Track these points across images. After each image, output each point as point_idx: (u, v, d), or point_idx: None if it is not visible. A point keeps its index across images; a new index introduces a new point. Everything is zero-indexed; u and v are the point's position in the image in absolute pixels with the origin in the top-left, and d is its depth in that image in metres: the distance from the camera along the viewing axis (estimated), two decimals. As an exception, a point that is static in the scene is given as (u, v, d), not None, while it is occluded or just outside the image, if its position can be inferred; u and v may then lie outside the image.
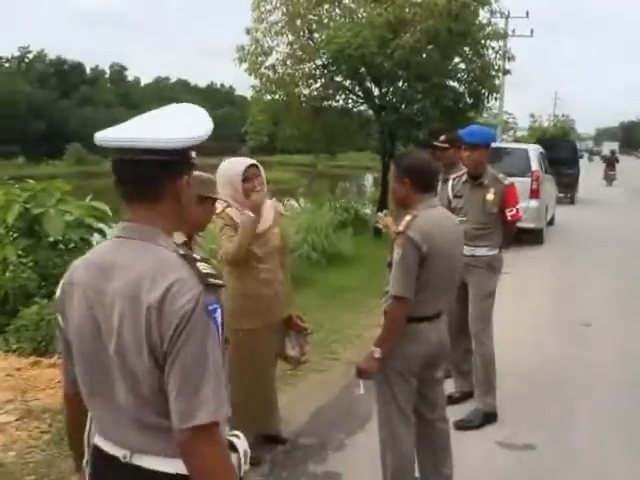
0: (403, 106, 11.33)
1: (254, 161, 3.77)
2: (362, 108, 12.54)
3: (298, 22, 11.39)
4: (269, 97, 12.12)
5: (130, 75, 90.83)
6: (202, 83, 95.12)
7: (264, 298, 3.81)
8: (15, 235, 6.88)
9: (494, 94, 11.82)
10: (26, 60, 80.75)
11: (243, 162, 3.74)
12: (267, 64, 11.80)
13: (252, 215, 3.59)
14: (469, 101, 11.67)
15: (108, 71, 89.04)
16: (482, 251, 4.56)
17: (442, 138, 5.02)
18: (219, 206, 3.76)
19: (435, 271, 3.04)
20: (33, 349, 5.61)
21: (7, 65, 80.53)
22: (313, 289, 8.40)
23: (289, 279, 4.13)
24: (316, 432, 4.46)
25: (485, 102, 11.78)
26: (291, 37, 11.68)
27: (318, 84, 11.81)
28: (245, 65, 11.71)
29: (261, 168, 3.81)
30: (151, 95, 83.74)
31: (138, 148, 1.53)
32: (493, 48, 11.47)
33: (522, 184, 11.24)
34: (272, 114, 12.08)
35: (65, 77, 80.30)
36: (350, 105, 12.30)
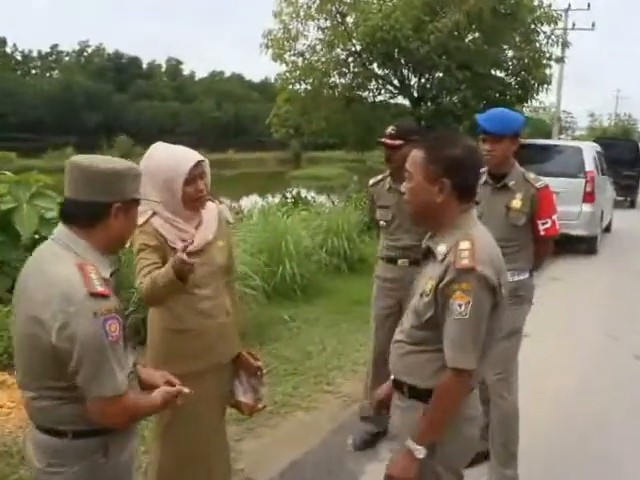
0: (442, 97, 10.21)
1: (199, 155, 2.79)
2: (396, 99, 11.42)
3: (329, 5, 10.38)
4: (297, 86, 11.16)
5: (186, 69, 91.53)
6: (256, 78, 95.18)
7: (204, 334, 2.88)
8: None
9: (545, 85, 10.55)
10: (85, 54, 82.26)
11: (189, 156, 2.75)
12: (295, 50, 10.84)
13: (185, 259, 2.48)
14: (516, 93, 10.44)
15: (164, 65, 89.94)
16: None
17: (390, 130, 3.88)
18: (143, 214, 2.84)
19: (500, 317, 2.08)
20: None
21: (67, 59, 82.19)
22: (327, 300, 7.48)
23: (237, 306, 3.18)
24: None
25: (534, 94, 10.52)
26: (322, 21, 10.69)
27: (350, 72, 10.75)
28: (271, 51, 10.79)
29: (207, 165, 2.84)
30: (205, 89, 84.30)
31: None
32: (545, 33, 10.20)
33: (574, 186, 10.07)
34: (299, 104, 11.11)
35: (122, 71, 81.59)
36: (383, 95, 11.21)
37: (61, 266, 1.85)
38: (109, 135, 46.53)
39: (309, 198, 12.08)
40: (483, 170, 3.62)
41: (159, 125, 72.22)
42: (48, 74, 79.50)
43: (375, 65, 10.70)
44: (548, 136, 25.39)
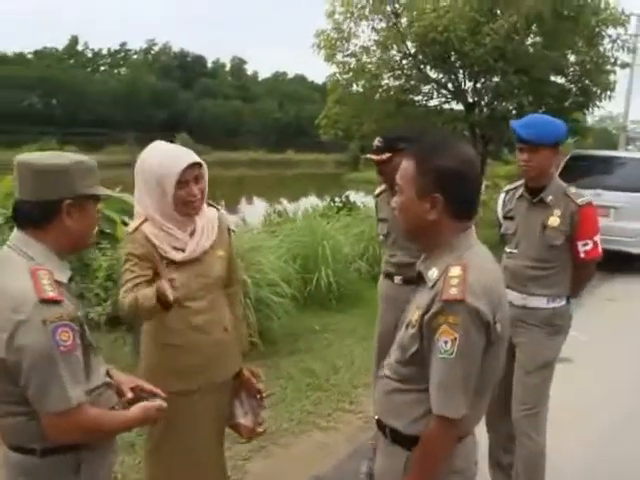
0: (497, 103, 9.76)
1: (195, 157, 2.56)
2: (447, 104, 11.00)
3: (384, 5, 10.07)
4: (348, 87, 10.87)
5: (249, 69, 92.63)
6: (319, 79, 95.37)
7: (198, 350, 2.67)
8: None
9: (607, 92, 9.94)
10: (152, 52, 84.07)
11: (182, 157, 2.52)
12: (347, 52, 10.57)
13: (168, 290, 2.33)
14: (577, 100, 9.88)
15: (228, 64, 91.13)
16: (539, 301, 3.14)
17: (376, 143, 3.63)
18: (135, 220, 2.64)
19: (498, 356, 1.79)
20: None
21: (135, 57, 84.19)
22: (363, 311, 7.15)
23: (241, 321, 2.94)
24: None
25: (597, 102, 9.94)
26: (376, 21, 10.39)
27: (403, 75, 10.40)
28: (323, 52, 10.56)
29: (204, 168, 2.60)
30: (268, 89, 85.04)
31: None
32: (610, 37, 9.60)
33: (636, 201, 9.44)
34: (351, 106, 10.83)
35: (187, 69, 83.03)
36: (437, 100, 10.83)
37: (13, 273, 1.72)
38: (173, 132, 47.24)
39: (359, 203, 11.76)
40: (518, 184, 3.30)
41: (222, 124, 73.26)
42: (116, 71, 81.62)
43: (429, 68, 10.33)
44: (614, 147, 24.29)
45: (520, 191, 3.24)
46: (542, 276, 3.12)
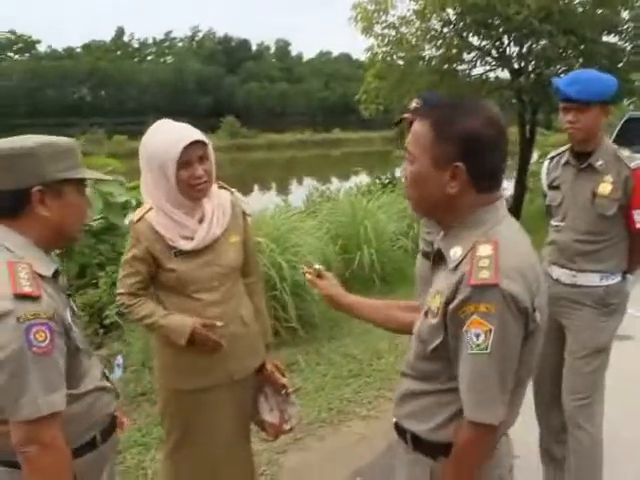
0: (544, 67, 9.24)
1: (198, 135, 2.33)
2: (491, 72, 10.49)
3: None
4: (388, 59, 10.48)
5: (294, 50, 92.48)
6: (364, 57, 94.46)
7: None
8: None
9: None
10: (196, 39, 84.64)
11: (184, 136, 2.30)
12: (385, 23, 10.18)
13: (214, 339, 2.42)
14: (632, 59, 9.25)
15: (273, 47, 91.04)
16: (591, 278, 2.82)
17: (414, 103, 3.39)
18: (142, 208, 2.45)
19: (535, 349, 1.53)
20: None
21: (180, 44, 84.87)
22: (409, 290, 6.84)
23: (263, 313, 2.72)
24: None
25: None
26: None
27: (444, 44, 9.95)
28: (360, 25, 10.19)
29: (209, 146, 2.38)
30: (313, 69, 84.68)
31: None
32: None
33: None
34: (391, 79, 10.44)
35: (232, 54, 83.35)
36: (480, 67, 10.33)
37: None
38: (219, 117, 47.51)
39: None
40: (563, 149, 2.97)
41: (268, 106, 73.49)
42: (162, 60, 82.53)
43: (471, 35, 9.86)
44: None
45: (566, 157, 2.91)
46: (593, 250, 2.80)
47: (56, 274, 1.69)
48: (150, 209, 2.41)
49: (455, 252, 1.50)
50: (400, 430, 1.67)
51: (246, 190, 22.87)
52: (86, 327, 5.33)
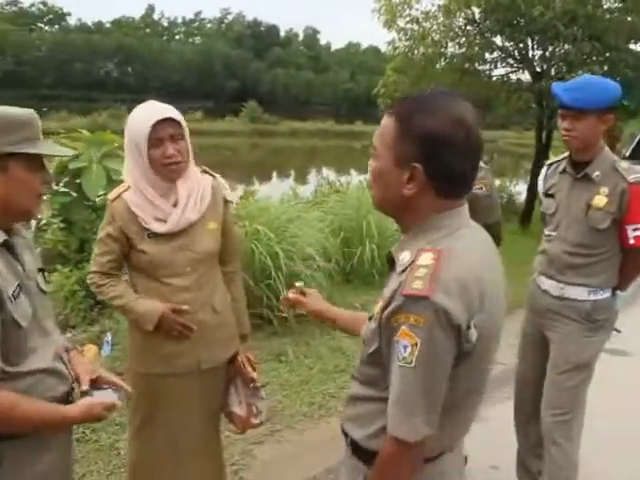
0: (566, 72, 9.07)
1: (170, 112, 2.28)
2: (513, 74, 10.34)
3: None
4: (409, 54, 10.37)
5: (322, 39, 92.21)
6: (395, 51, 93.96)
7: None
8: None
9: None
10: (225, 21, 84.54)
11: (154, 113, 2.27)
12: (409, 17, 10.06)
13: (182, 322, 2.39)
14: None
15: (301, 34, 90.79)
16: (579, 292, 2.74)
17: None
18: (118, 188, 2.41)
19: (479, 367, 1.46)
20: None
21: (209, 26, 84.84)
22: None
23: (240, 303, 2.67)
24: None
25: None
26: (440, -16, 9.82)
27: (466, 42, 9.82)
28: (382, 18, 10.09)
29: (184, 125, 2.32)
30: (341, 60, 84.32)
31: None
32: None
33: None
34: (411, 75, 10.33)
35: (260, 38, 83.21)
36: (501, 68, 10.19)
37: None
38: (242, 102, 47.51)
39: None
40: (562, 156, 2.88)
41: (293, 93, 73.34)
42: (190, 40, 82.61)
43: (494, 35, 9.71)
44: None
45: (563, 165, 2.83)
46: (583, 264, 2.72)
47: (7, 245, 1.66)
48: (128, 188, 2.38)
49: (404, 257, 1.44)
50: (344, 432, 1.62)
51: (264, 176, 22.86)
52: (81, 302, 5.33)
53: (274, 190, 9.04)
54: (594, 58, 8.92)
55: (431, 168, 1.39)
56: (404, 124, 1.41)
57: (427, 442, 1.39)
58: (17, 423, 1.62)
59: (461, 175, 1.44)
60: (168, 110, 2.28)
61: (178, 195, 2.35)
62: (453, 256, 1.36)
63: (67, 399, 1.80)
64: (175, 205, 2.35)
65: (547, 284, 2.83)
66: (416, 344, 1.32)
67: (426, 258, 1.36)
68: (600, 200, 2.67)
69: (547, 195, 2.91)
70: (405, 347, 1.34)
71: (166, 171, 2.29)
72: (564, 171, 2.81)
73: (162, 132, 2.24)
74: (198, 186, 2.42)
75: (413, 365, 1.33)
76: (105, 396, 1.82)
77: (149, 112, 2.27)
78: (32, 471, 1.68)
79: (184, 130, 2.31)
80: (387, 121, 1.45)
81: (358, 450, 1.55)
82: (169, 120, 2.25)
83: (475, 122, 1.43)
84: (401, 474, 1.43)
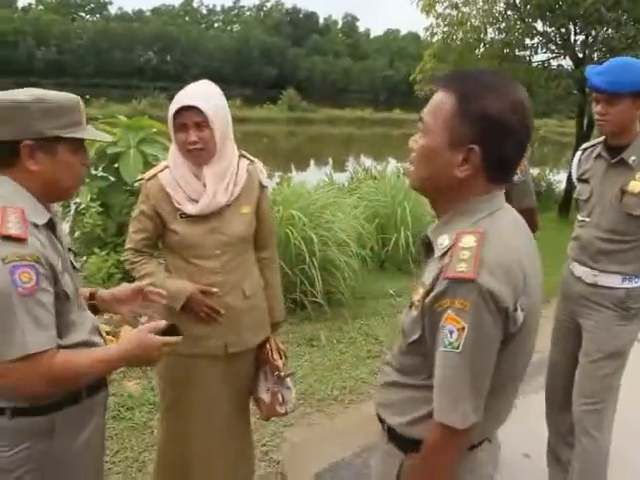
0: (609, 57, 8.85)
1: (197, 100, 2.26)
2: (554, 60, 10.13)
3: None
4: (447, 41, 10.25)
5: (361, 26, 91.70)
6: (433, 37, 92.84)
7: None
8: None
9: None
10: (264, 9, 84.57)
11: (179, 100, 2.28)
12: (447, 3, 9.95)
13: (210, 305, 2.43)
14: None
15: (340, 21, 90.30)
16: (612, 280, 2.68)
17: None
18: (155, 168, 2.46)
19: (522, 351, 1.45)
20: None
21: (248, 14, 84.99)
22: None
23: (274, 289, 2.67)
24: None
25: None
26: (481, -31, 9.67)
27: (506, 27, 9.65)
28: (420, 3, 9.98)
29: (210, 116, 2.27)
30: (380, 47, 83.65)
31: None
32: None
33: None
34: (449, 61, 10.21)
35: (298, 26, 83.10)
36: (542, 54, 9.98)
37: None
38: (281, 89, 47.54)
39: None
40: (598, 141, 2.83)
41: (331, 81, 73.11)
42: (229, 28, 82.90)
43: (535, 20, 9.51)
44: None
45: (598, 149, 2.77)
46: (617, 250, 2.67)
47: (51, 224, 1.71)
48: (164, 168, 2.41)
49: (442, 241, 1.41)
50: (379, 419, 1.62)
51: (302, 164, 22.89)
52: (118, 285, 5.43)
53: (311, 177, 9.07)
54: (639, 42, 8.68)
55: (488, 151, 1.36)
56: (464, 103, 1.36)
57: (470, 433, 1.38)
58: (80, 377, 1.69)
59: (513, 160, 1.42)
60: (195, 98, 2.27)
61: (206, 180, 2.36)
62: (495, 238, 1.35)
63: None
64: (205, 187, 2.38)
65: (580, 271, 2.78)
66: (463, 328, 1.31)
67: (468, 240, 1.34)
68: (636, 185, 2.60)
69: (581, 180, 2.85)
70: (451, 332, 1.32)
71: (189, 156, 2.32)
72: (599, 156, 2.75)
73: (186, 119, 2.26)
74: (232, 170, 2.43)
75: (460, 350, 1.31)
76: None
77: (180, 97, 2.28)
78: (82, 435, 1.77)
79: (210, 119, 2.27)
80: (443, 97, 1.40)
81: (395, 437, 1.55)
82: (195, 107, 2.25)
83: (530, 107, 1.40)
84: (447, 461, 1.42)
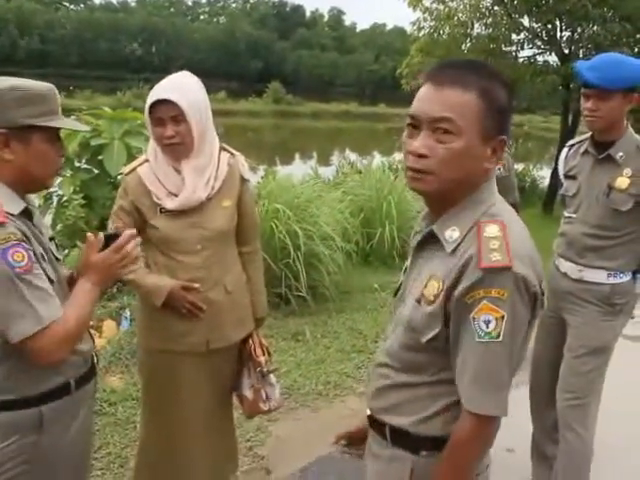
0: (595, 54, 8.90)
1: (172, 94, 2.20)
2: (540, 56, 10.15)
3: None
4: (434, 36, 10.24)
5: (347, 20, 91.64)
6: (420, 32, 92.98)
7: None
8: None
9: None
10: (250, 1, 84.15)
11: (157, 92, 2.23)
12: (434, -4, 9.95)
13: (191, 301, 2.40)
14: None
15: (326, 15, 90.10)
16: (598, 275, 2.68)
17: None
18: (134, 162, 2.41)
19: (529, 336, 1.47)
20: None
21: (234, 6, 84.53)
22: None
23: (257, 285, 2.64)
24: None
25: None
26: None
27: (493, 22, 9.67)
28: (408, -2, 9.98)
29: (186, 110, 2.21)
30: (366, 41, 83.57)
31: None
32: None
33: None
34: (436, 55, 10.20)
35: (285, 19, 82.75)
36: (528, 50, 10.01)
37: None
38: (267, 82, 47.37)
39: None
40: (584, 137, 2.83)
41: (317, 75, 72.96)
42: (215, 20, 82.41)
43: (521, 15, 9.53)
44: None
45: (585, 145, 2.77)
46: (602, 246, 2.67)
47: (26, 213, 1.69)
48: (143, 162, 2.37)
49: (452, 233, 1.39)
50: (376, 424, 1.57)
51: (287, 157, 22.84)
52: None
53: (296, 171, 9.03)
54: (624, 40, 8.73)
55: (506, 138, 1.41)
56: (487, 98, 1.35)
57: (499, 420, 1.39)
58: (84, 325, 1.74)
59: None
60: (171, 91, 2.21)
61: (184, 174, 2.32)
62: (513, 225, 1.37)
63: (92, 357, 1.89)
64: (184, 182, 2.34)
65: (566, 266, 2.78)
66: (502, 317, 1.30)
67: (492, 230, 1.34)
68: (622, 182, 2.60)
69: (568, 177, 2.85)
70: (487, 322, 1.31)
71: (167, 151, 2.28)
72: (586, 152, 2.75)
73: (162, 113, 2.21)
74: (213, 164, 2.39)
75: (501, 339, 1.31)
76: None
77: (156, 90, 2.23)
78: (69, 430, 1.78)
79: (187, 113, 2.21)
80: (465, 97, 1.35)
81: (401, 439, 1.50)
82: (170, 101, 2.19)
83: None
84: (481, 452, 1.42)
